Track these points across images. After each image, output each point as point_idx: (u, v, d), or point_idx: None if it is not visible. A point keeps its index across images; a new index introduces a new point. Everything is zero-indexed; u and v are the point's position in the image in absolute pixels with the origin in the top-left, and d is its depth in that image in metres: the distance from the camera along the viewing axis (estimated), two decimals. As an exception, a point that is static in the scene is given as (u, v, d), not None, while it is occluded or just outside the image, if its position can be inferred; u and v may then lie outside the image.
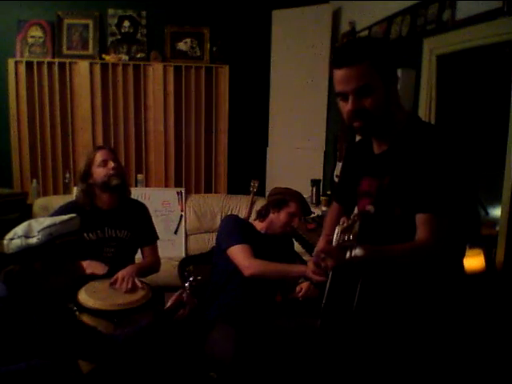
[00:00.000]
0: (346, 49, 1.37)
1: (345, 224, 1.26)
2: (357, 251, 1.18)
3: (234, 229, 2.28)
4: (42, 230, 1.44)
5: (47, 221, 1.49)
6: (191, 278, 1.94)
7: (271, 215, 2.33)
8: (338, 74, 1.33)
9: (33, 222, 1.49)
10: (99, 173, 2.26)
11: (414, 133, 1.37)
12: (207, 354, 2.06)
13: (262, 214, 2.39)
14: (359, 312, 1.34)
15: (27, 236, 1.43)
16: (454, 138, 1.35)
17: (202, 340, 2.15)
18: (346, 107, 1.34)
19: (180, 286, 2.44)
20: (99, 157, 2.28)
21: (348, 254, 1.18)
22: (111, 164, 2.27)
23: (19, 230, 1.45)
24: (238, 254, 2.17)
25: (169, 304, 1.79)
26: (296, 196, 2.32)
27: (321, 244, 1.44)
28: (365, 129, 1.37)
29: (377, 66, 1.31)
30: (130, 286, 2.07)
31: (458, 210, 1.31)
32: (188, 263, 2.52)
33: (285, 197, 2.31)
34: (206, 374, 2.02)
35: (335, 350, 1.51)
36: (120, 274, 2.11)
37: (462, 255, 1.48)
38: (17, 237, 1.43)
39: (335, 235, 1.27)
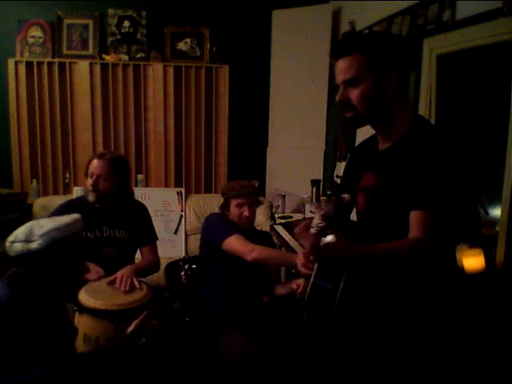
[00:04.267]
0: (342, 41, 1.38)
1: (322, 211, 1.26)
2: (328, 238, 1.18)
3: (223, 223, 2.34)
4: (44, 234, 1.40)
5: (49, 224, 1.45)
6: (186, 266, 1.87)
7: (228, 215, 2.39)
8: (335, 65, 1.37)
9: (35, 224, 1.45)
10: (87, 182, 2.33)
11: (417, 134, 1.36)
12: (220, 359, 2.05)
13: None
14: (342, 309, 1.32)
15: (28, 240, 1.39)
16: (454, 139, 1.35)
17: (209, 346, 2.14)
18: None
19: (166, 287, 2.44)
20: (90, 167, 2.32)
21: (323, 240, 1.18)
22: (91, 179, 2.29)
23: (20, 233, 1.42)
24: (236, 242, 2.21)
25: (132, 327, 1.65)
26: (232, 191, 2.36)
27: (297, 228, 1.39)
28: (353, 120, 1.39)
29: (368, 60, 1.31)
30: (127, 286, 2.07)
31: (453, 210, 1.30)
32: (175, 267, 2.54)
33: (225, 197, 2.38)
34: (218, 379, 2.01)
35: (320, 345, 1.51)
36: (118, 274, 2.11)
37: (453, 255, 1.47)
38: (18, 241, 1.40)
39: (314, 220, 1.26)
